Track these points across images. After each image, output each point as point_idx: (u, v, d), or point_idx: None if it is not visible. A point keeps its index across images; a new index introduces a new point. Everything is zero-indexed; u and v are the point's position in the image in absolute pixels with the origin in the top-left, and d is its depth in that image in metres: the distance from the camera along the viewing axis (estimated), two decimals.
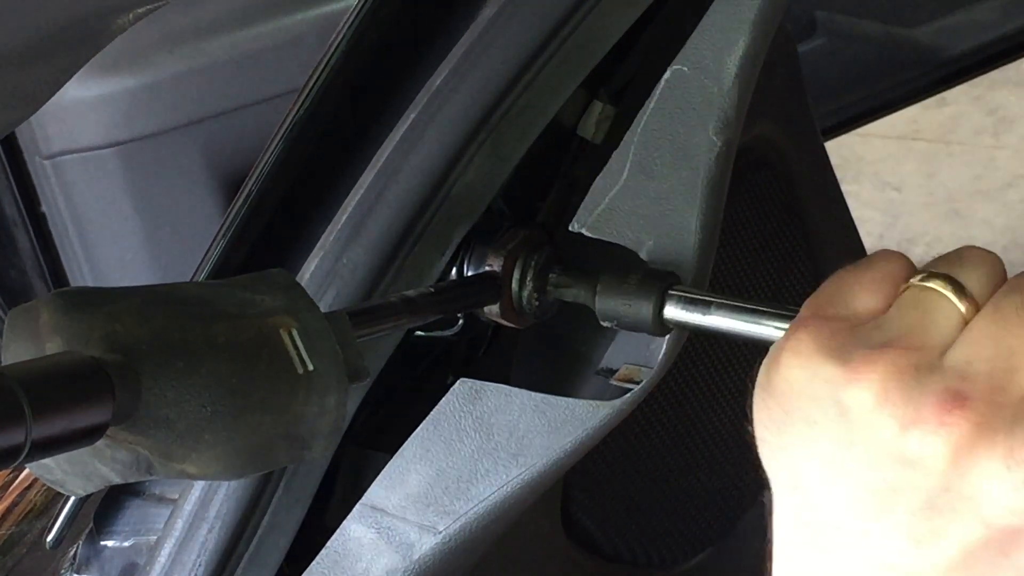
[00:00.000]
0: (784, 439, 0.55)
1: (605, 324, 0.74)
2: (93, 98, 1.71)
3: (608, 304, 0.72)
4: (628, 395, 0.75)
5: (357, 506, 0.78)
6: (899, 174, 3.23)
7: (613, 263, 0.85)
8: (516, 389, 0.74)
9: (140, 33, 0.79)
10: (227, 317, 0.61)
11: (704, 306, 0.69)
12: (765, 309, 0.67)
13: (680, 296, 0.70)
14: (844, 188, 1.02)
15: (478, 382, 0.75)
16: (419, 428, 0.76)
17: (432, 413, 0.75)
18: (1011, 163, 3.18)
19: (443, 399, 0.75)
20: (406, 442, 0.76)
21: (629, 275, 0.71)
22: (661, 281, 0.71)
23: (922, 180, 3.19)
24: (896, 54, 1.92)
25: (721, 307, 0.68)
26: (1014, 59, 2.03)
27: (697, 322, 0.70)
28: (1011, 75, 3.29)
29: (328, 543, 0.78)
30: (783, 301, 0.97)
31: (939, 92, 2.07)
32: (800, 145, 0.97)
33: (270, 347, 0.61)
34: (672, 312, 0.70)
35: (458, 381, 0.75)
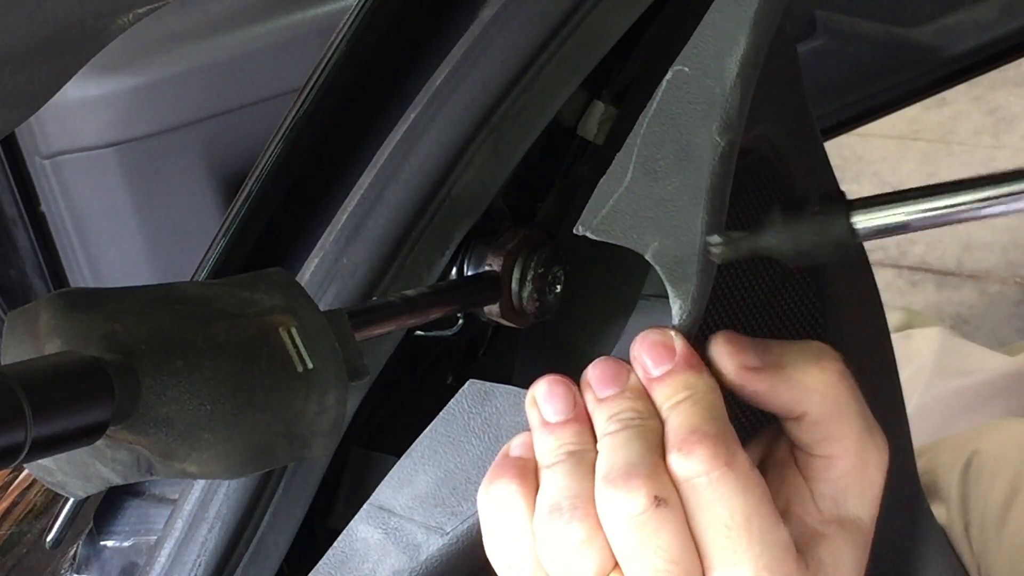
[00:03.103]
0: None
1: (795, 264, 0.71)
2: (93, 98, 1.71)
3: (801, 239, 0.70)
4: None
5: (364, 506, 0.78)
6: (899, 174, 3.23)
7: (612, 265, 0.84)
8: (525, 391, 0.74)
9: (140, 33, 0.79)
10: (226, 316, 0.61)
11: (890, 204, 0.68)
12: (955, 184, 0.65)
13: (863, 202, 0.69)
14: (844, 188, 1.02)
15: (487, 384, 0.74)
16: (428, 429, 0.76)
17: (441, 414, 0.75)
18: (1011, 163, 3.17)
19: (452, 400, 0.75)
20: (415, 443, 0.76)
21: (803, 208, 0.69)
22: (837, 200, 0.69)
23: (922, 180, 3.19)
24: (896, 54, 1.92)
25: (907, 200, 0.66)
26: (1014, 59, 2.03)
27: (892, 221, 0.68)
28: (1011, 75, 3.29)
29: (335, 543, 0.78)
30: (782, 302, 0.97)
31: (939, 92, 2.07)
32: (800, 145, 0.96)
33: (269, 345, 0.61)
34: (863, 220, 0.69)
35: (467, 382, 0.75)
